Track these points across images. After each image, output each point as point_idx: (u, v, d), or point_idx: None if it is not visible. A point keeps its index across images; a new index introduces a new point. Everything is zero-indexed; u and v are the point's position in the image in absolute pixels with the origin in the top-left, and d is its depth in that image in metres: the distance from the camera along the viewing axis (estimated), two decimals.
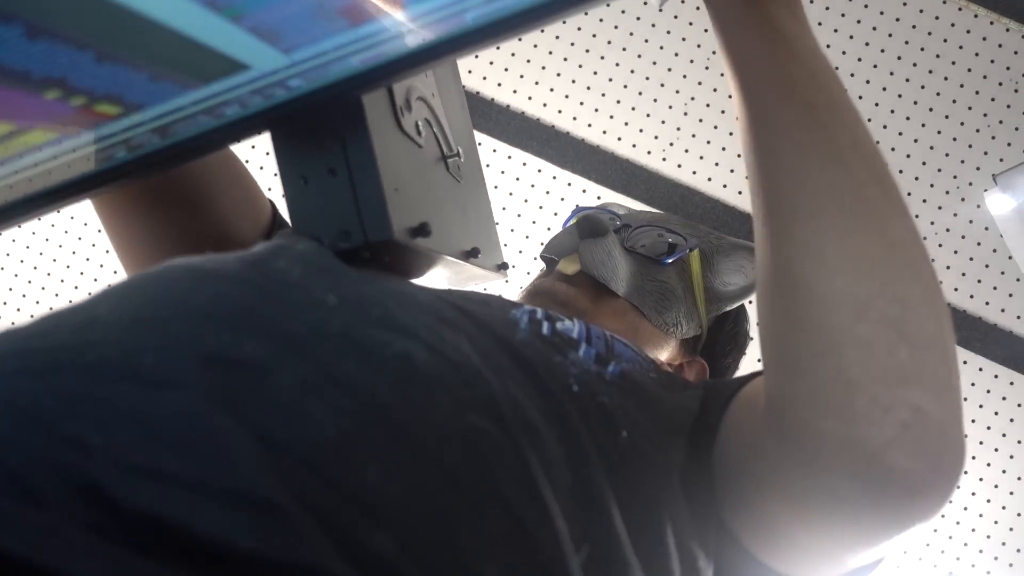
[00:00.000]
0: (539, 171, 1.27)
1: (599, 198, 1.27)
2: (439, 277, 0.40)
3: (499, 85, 1.26)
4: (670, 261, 0.60)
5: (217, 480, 0.20)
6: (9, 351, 0.24)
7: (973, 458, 1.28)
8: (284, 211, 0.53)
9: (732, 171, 1.27)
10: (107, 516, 0.18)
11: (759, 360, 0.34)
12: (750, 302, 0.68)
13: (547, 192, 1.28)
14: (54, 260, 1.29)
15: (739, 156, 1.26)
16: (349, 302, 0.27)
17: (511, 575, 0.23)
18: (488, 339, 0.30)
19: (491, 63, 1.26)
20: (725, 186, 1.27)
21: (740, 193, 1.27)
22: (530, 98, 1.27)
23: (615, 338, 0.40)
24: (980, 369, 1.27)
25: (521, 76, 1.27)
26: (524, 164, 1.26)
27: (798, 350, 0.30)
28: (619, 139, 1.27)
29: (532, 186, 1.28)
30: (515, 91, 1.27)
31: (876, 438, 0.27)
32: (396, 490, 0.22)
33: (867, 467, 0.27)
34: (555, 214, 1.28)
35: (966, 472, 1.28)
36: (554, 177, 1.27)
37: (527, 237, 1.27)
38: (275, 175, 1.43)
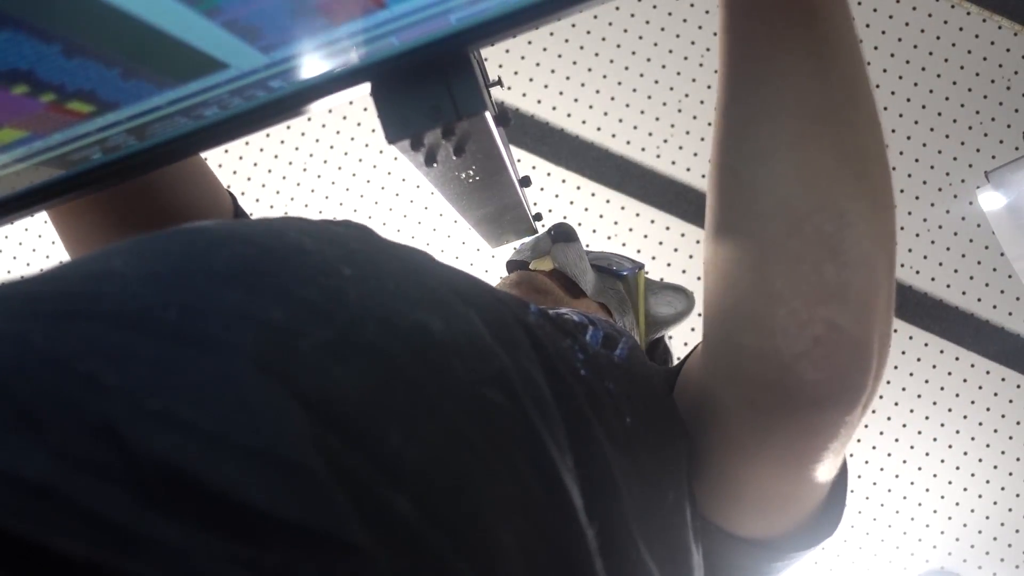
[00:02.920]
0: (533, 168, 1.27)
1: (593, 195, 1.27)
2: (490, 200, 0.38)
3: None
4: (624, 273, 0.70)
5: (238, 435, 0.19)
6: (18, 295, 0.23)
7: (965, 454, 1.29)
8: (244, 203, 0.51)
9: None
10: (116, 458, 0.17)
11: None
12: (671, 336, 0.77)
13: (541, 189, 1.27)
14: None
15: None
16: (364, 273, 0.27)
17: (527, 543, 0.23)
18: (501, 315, 0.30)
19: (484, 59, 1.25)
20: None
21: None
22: (524, 95, 1.26)
23: (609, 321, 0.41)
24: (972, 365, 1.28)
25: (515, 73, 1.27)
26: (518, 161, 1.25)
27: (729, 261, 0.30)
28: (613, 136, 1.27)
29: None
30: (508, 88, 1.26)
31: (789, 350, 0.28)
32: (416, 453, 0.22)
33: (779, 377, 0.29)
34: (549, 210, 1.27)
35: (958, 468, 1.29)
36: (548, 174, 1.27)
37: None
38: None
